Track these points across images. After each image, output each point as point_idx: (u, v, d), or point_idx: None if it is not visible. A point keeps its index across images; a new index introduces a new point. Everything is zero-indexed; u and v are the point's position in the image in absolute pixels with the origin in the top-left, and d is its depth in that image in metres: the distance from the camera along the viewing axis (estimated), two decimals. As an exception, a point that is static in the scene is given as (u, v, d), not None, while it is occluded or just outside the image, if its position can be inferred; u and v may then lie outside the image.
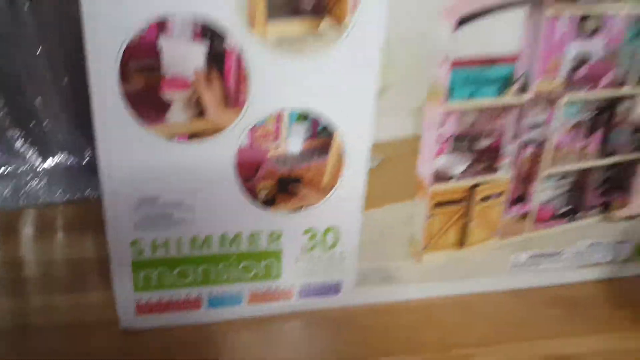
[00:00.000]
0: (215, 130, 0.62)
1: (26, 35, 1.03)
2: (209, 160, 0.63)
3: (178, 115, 0.60)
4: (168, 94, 0.59)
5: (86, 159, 1.18)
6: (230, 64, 0.59)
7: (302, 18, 0.59)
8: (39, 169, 1.15)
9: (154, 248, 0.68)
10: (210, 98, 0.60)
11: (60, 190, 1.13)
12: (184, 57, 0.58)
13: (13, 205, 1.08)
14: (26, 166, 1.15)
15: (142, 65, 0.57)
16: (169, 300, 0.72)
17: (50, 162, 1.17)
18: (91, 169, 1.15)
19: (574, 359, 0.76)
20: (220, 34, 0.57)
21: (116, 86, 0.57)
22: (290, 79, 0.62)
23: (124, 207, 0.64)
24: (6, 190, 1.10)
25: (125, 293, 0.69)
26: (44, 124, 1.13)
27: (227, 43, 0.58)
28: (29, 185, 1.13)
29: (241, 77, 0.60)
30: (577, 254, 0.89)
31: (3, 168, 1.13)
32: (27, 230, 1.00)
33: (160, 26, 0.56)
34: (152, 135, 0.61)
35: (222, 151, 0.63)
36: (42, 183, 1.14)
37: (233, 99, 0.61)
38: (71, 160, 1.19)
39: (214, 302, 0.74)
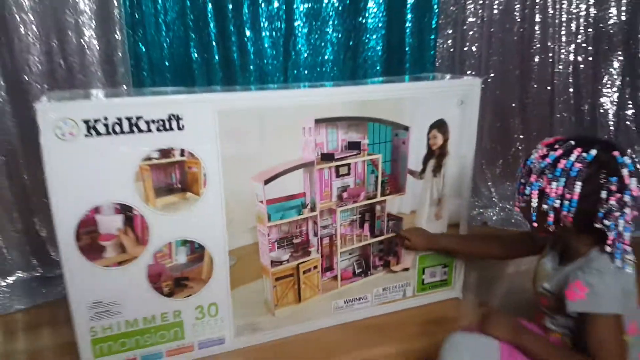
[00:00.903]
0: (133, 258, 1.10)
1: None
2: (130, 275, 1.11)
3: (110, 253, 1.08)
4: (103, 243, 1.07)
5: (37, 275, 1.60)
6: (138, 222, 1.08)
7: (175, 193, 1.10)
8: (2, 285, 1.56)
9: (103, 330, 1.13)
10: (128, 242, 1.09)
11: (19, 300, 1.52)
12: (110, 223, 1.06)
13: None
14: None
15: (87, 230, 1.05)
16: (115, 361, 1.17)
17: (9, 280, 1.58)
18: (42, 282, 1.57)
19: (376, 358, 1.26)
20: (129, 208, 1.06)
21: (73, 243, 1.05)
22: (173, 224, 1.11)
23: (83, 309, 1.10)
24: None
25: (88, 360, 1.14)
26: (6, 252, 1.55)
27: (134, 212, 1.07)
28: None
29: (144, 228, 1.09)
30: (376, 296, 1.42)
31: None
32: (7, 330, 1.40)
33: (96, 209, 1.04)
34: (95, 266, 1.08)
35: (138, 269, 1.11)
36: (6, 295, 1.53)
37: (141, 240, 1.10)
38: (25, 277, 1.59)
39: (145, 358, 1.19)
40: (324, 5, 1.67)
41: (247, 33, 1.61)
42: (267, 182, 1.17)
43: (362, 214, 1.33)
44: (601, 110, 2.14)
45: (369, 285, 1.40)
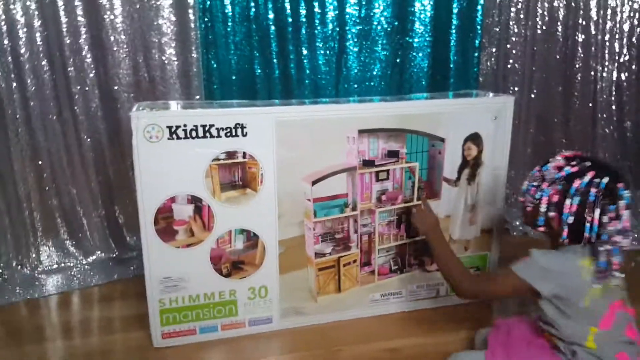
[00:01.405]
0: (199, 242, 1.31)
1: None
2: (196, 256, 1.32)
3: (181, 236, 1.29)
4: (176, 227, 1.28)
5: (113, 256, 1.85)
6: (205, 211, 1.29)
7: (236, 189, 1.30)
8: (84, 263, 1.81)
9: (170, 302, 1.34)
10: (196, 227, 1.29)
11: (97, 277, 1.77)
12: (183, 211, 1.27)
13: (70, 288, 1.71)
14: (75, 261, 1.81)
15: (164, 216, 1.26)
16: (179, 330, 1.37)
17: (90, 259, 1.83)
18: (117, 262, 1.82)
19: (403, 349, 1.40)
20: (199, 199, 1.27)
21: (152, 226, 1.26)
22: (234, 215, 1.31)
23: (156, 282, 1.31)
24: (62, 278, 1.74)
25: (156, 328, 1.35)
26: (89, 234, 1.81)
27: (203, 203, 1.28)
28: (77, 274, 1.78)
29: (210, 217, 1.29)
30: (411, 292, 1.56)
31: (62, 264, 1.79)
32: (86, 301, 1.65)
33: (172, 199, 1.26)
34: (169, 246, 1.29)
35: (203, 251, 1.32)
36: (86, 272, 1.79)
37: (207, 227, 1.30)
38: (103, 256, 1.85)
39: (203, 330, 1.39)
40: (373, 26, 1.85)
41: (304, 51, 1.81)
42: (314, 182, 1.35)
43: (399, 216, 1.47)
44: (646, 128, 2.19)
45: (404, 281, 1.54)
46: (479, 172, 1.49)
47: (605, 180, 1.03)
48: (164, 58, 1.68)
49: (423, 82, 1.92)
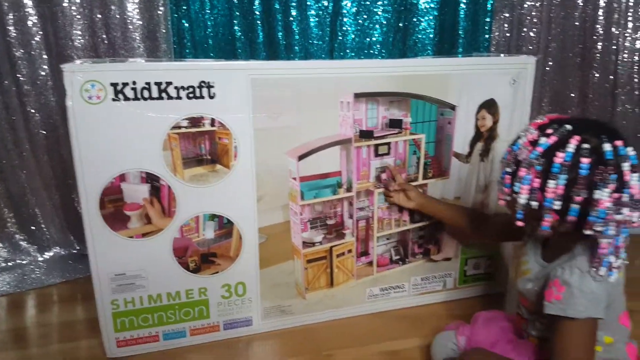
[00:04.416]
0: (158, 230, 1.07)
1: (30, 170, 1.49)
2: (155, 248, 1.08)
3: (135, 224, 1.05)
4: (128, 212, 1.04)
5: (74, 252, 1.61)
6: (164, 193, 1.05)
7: (204, 165, 1.05)
8: (39, 260, 1.57)
9: (125, 304, 1.10)
10: (153, 213, 1.05)
11: (54, 275, 1.53)
12: (135, 192, 1.03)
13: (21, 288, 1.47)
14: (29, 258, 1.57)
15: (112, 198, 1.02)
16: (137, 337, 1.13)
17: (46, 255, 1.60)
18: (78, 259, 1.58)
19: (405, 351, 1.18)
20: (156, 178, 1.03)
21: (97, 211, 1.02)
22: (201, 197, 1.07)
23: (105, 280, 1.07)
24: (11, 278, 1.50)
25: (109, 334, 1.11)
26: (44, 227, 1.57)
27: (161, 182, 1.03)
28: (30, 272, 1.54)
29: (171, 199, 1.05)
30: (414, 285, 1.33)
31: (12, 262, 1.55)
32: (38, 303, 1.41)
33: (122, 177, 1.01)
34: (119, 236, 1.05)
35: (163, 242, 1.08)
36: (42, 270, 1.55)
37: (167, 212, 1.06)
38: (63, 253, 1.61)
39: (167, 336, 1.16)
40: (373, -16, 1.61)
41: (293, 12, 1.56)
42: (301, 158, 1.11)
43: (402, 198, 1.24)
44: (672, 104, 1.97)
45: (407, 273, 1.32)
46: (494, 146, 1.27)
47: (597, 142, 0.78)
48: (125, 16, 1.43)
49: (429, 50, 1.68)
